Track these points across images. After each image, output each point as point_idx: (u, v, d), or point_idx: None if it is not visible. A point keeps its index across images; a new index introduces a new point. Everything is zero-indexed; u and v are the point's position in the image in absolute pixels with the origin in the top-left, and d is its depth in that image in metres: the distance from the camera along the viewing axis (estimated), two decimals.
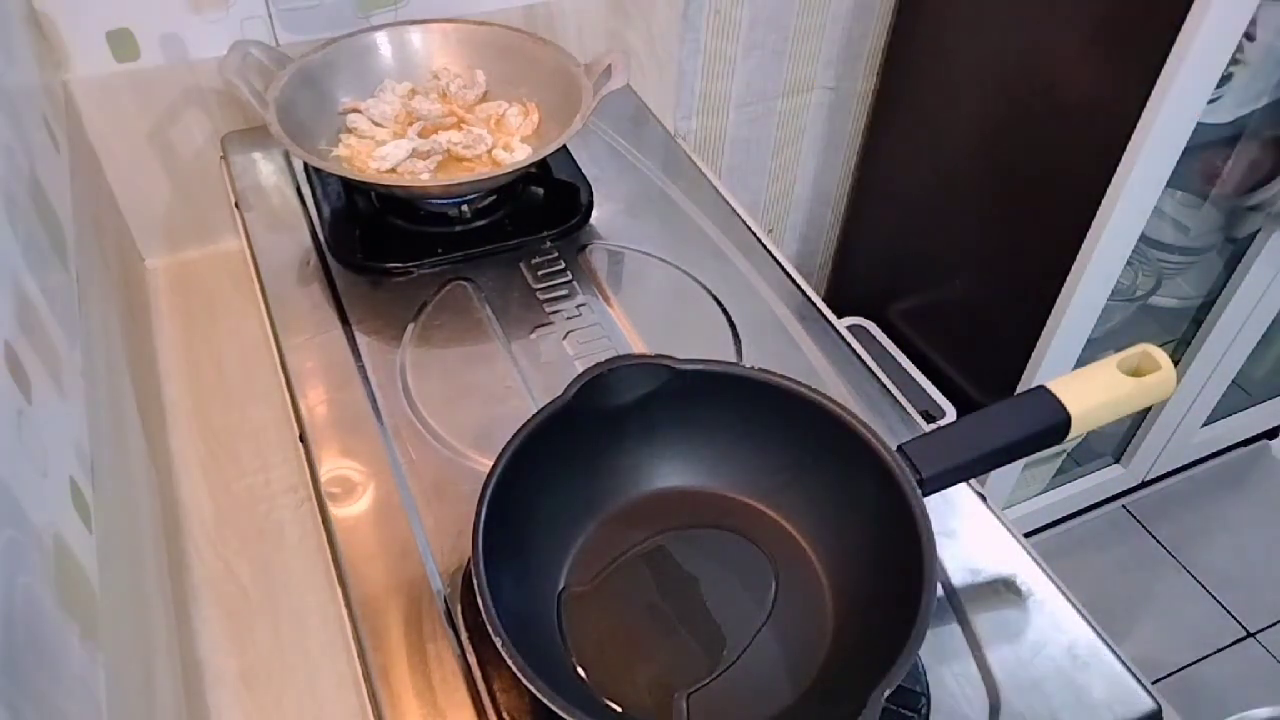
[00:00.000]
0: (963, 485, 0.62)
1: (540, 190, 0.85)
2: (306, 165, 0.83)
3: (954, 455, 0.51)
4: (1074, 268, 1.00)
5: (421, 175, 0.78)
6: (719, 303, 0.76)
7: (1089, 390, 0.52)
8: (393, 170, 0.78)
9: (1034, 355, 1.10)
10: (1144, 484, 1.53)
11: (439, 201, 0.80)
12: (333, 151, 0.80)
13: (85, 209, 0.70)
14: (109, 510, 0.52)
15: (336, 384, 0.68)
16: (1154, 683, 0.59)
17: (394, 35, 0.85)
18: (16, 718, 0.33)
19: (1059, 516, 1.49)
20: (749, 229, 0.84)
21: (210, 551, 0.68)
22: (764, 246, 0.82)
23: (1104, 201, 0.94)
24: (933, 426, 0.57)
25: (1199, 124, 0.89)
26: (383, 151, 0.78)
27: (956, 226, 1.18)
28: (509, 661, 0.44)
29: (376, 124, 0.82)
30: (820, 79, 1.22)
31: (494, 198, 0.82)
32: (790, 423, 0.56)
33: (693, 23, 1.07)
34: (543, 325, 0.73)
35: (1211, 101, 0.88)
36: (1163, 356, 0.52)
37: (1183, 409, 1.39)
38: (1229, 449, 1.62)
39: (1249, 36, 0.89)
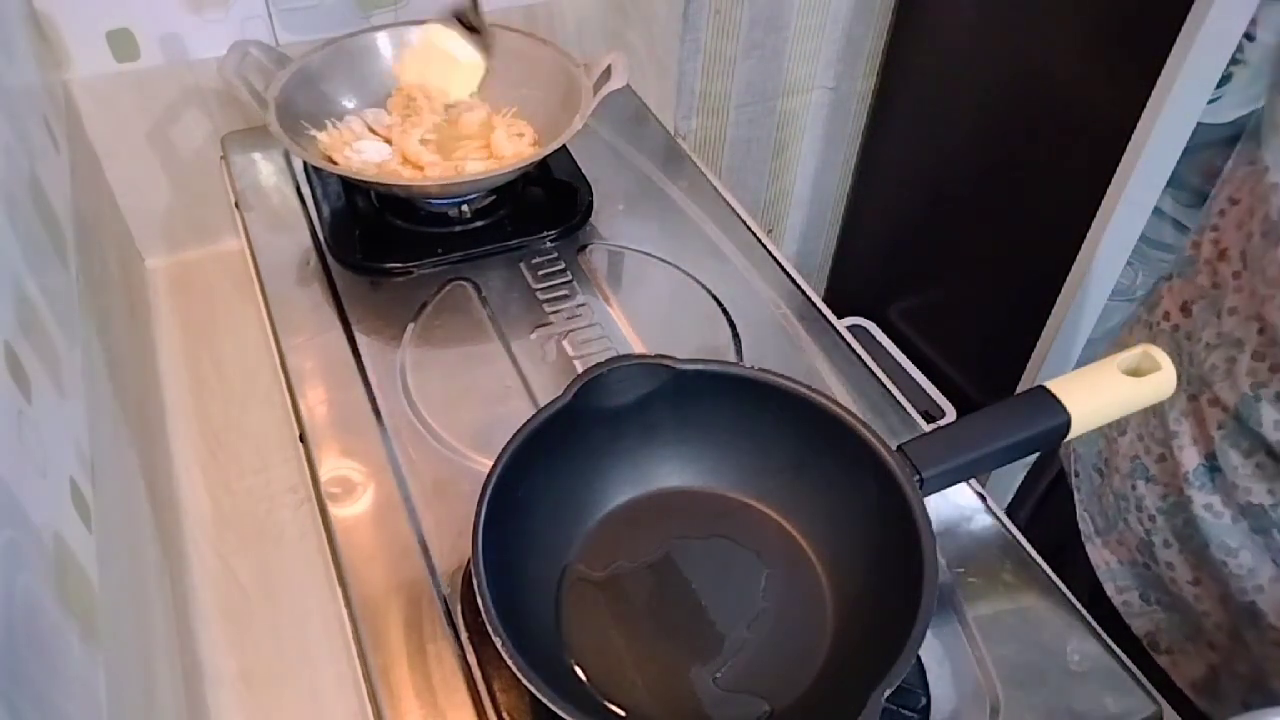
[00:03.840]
0: (963, 485, 0.62)
1: (540, 190, 0.85)
2: (306, 165, 0.83)
3: (954, 455, 0.51)
4: (1074, 268, 1.00)
5: (425, 160, 0.78)
6: (719, 303, 0.76)
7: (1089, 390, 0.52)
8: (379, 167, 0.78)
9: (1034, 355, 1.10)
10: None
11: (439, 201, 0.80)
12: (309, 132, 0.79)
13: (85, 209, 0.70)
14: (109, 510, 0.52)
15: (336, 384, 0.68)
16: None
17: (394, 35, 0.85)
18: (16, 718, 0.33)
19: None
20: (749, 229, 0.84)
21: (210, 551, 0.68)
22: (764, 246, 0.82)
23: (1104, 201, 0.94)
24: (933, 426, 0.56)
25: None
26: (360, 145, 0.77)
27: (957, 226, 1.18)
28: (509, 661, 0.44)
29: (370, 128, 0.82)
30: (820, 79, 1.22)
31: (494, 198, 0.82)
32: (790, 423, 0.56)
33: (693, 23, 1.07)
34: (543, 325, 0.73)
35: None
36: (1163, 356, 0.52)
37: None
38: None
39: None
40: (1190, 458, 0.61)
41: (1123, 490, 0.68)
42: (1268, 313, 0.54)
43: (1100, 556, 0.71)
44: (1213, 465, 0.60)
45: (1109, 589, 0.70)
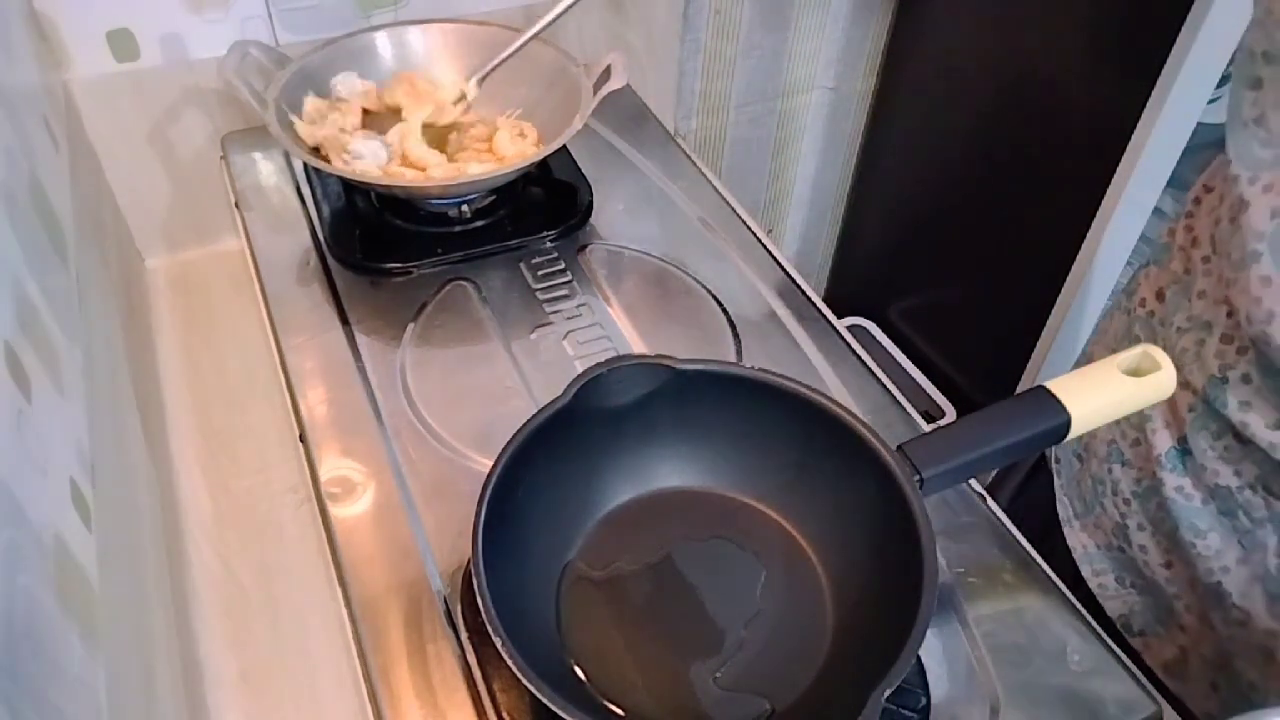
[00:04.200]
0: (963, 485, 0.62)
1: (540, 190, 0.85)
2: (306, 165, 0.83)
3: (954, 455, 0.51)
4: (1074, 268, 1.00)
5: (431, 161, 0.78)
6: (719, 303, 0.76)
7: (1089, 390, 0.52)
8: (380, 169, 0.78)
9: (1034, 355, 1.10)
10: None
11: (439, 201, 0.80)
12: (287, 115, 0.77)
13: (85, 209, 0.70)
14: (109, 510, 0.52)
15: (336, 384, 0.68)
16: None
17: (394, 35, 0.85)
18: (16, 718, 0.33)
19: None
20: (749, 229, 0.84)
21: (210, 551, 0.68)
22: (764, 246, 0.82)
23: (1104, 201, 0.94)
24: (933, 426, 0.56)
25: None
26: (357, 148, 0.77)
27: (957, 226, 1.19)
28: (509, 661, 0.44)
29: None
30: (820, 79, 1.22)
31: (494, 198, 0.82)
32: (790, 423, 0.56)
33: (693, 23, 1.07)
34: (543, 325, 0.73)
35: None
36: (1163, 356, 0.52)
37: None
38: None
39: None
40: (1163, 441, 0.62)
41: (1100, 474, 0.69)
42: (1233, 295, 0.55)
43: (1077, 540, 0.72)
44: (1184, 448, 0.61)
45: (1085, 572, 0.71)
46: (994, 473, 0.95)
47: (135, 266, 0.88)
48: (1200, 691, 0.65)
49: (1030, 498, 0.79)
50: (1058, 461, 0.76)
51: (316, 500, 0.62)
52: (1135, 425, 0.65)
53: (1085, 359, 0.72)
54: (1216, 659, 0.64)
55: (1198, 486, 0.61)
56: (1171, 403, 0.62)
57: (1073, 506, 0.73)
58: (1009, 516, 0.63)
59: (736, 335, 0.73)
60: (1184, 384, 0.60)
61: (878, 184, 1.32)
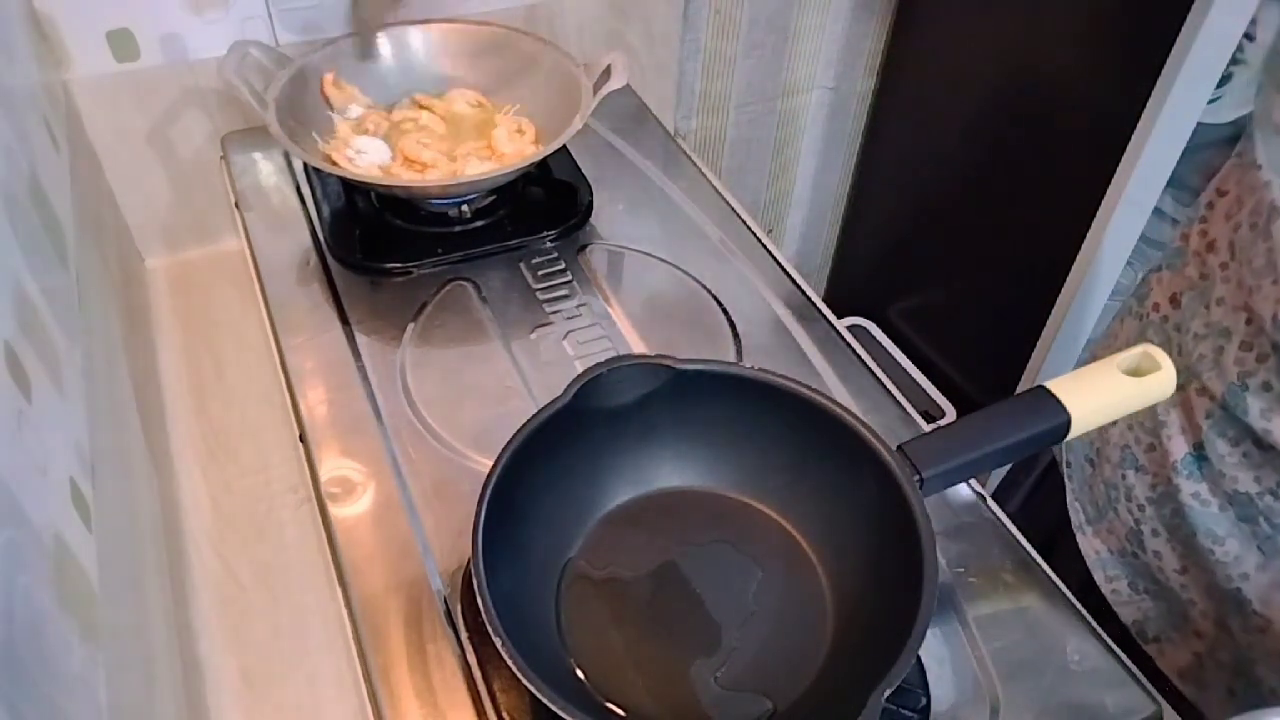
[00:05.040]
0: (963, 485, 0.62)
1: (540, 190, 0.85)
2: (306, 165, 0.83)
3: (954, 455, 0.51)
4: (1074, 268, 1.00)
5: (427, 157, 0.78)
6: (719, 303, 0.76)
7: (1089, 390, 0.52)
8: (380, 169, 0.78)
9: (1034, 355, 1.10)
10: None
11: (439, 201, 0.80)
12: (319, 143, 0.79)
13: (85, 209, 0.70)
14: (109, 510, 0.52)
15: (336, 384, 0.68)
16: None
17: (394, 35, 0.86)
18: (16, 718, 0.33)
19: None
20: (749, 229, 0.84)
21: (210, 551, 0.68)
22: (764, 246, 0.82)
23: (1104, 201, 0.94)
24: (933, 426, 0.56)
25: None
26: (360, 143, 0.77)
27: (957, 226, 1.18)
28: (509, 661, 0.44)
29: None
30: (820, 79, 1.22)
31: (494, 198, 0.82)
32: (790, 423, 0.56)
33: (693, 23, 1.07)
34: (543, 325, 0.73)
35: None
36: (1163, 356, 0.52)
37: None
38: None
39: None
40: (1178, 447, 0.62)
41: (1113, 479, 0.68)
42: (1255, 302, 0.54)
43: (1090, 546, 0.71)
44: (1200, 454, 0.61)
45: (1098, 577, 0.71)
46: (1002, 477, 0.95)
47: (135, 266, 0.88)
48: (1217, 698, 0.65)
49: (1040, 503, 0.79)
50: (1069, 466, 0.75)
51: (316, 500, 0.62)
52: (1149, 430, 0.65)
53: (1090, 362, 0.72)
54: (1234, 665, 0.63)
55: (1215, 492, 0.60)
56: (1187, 408, 0.61)
57: (1085, 512, 0.73)
58: (1019, 521, 0.63)
59: (736, 335, 0.73)
60: (1201, 390, 0.59)
61: (878, 184, 1.32)
